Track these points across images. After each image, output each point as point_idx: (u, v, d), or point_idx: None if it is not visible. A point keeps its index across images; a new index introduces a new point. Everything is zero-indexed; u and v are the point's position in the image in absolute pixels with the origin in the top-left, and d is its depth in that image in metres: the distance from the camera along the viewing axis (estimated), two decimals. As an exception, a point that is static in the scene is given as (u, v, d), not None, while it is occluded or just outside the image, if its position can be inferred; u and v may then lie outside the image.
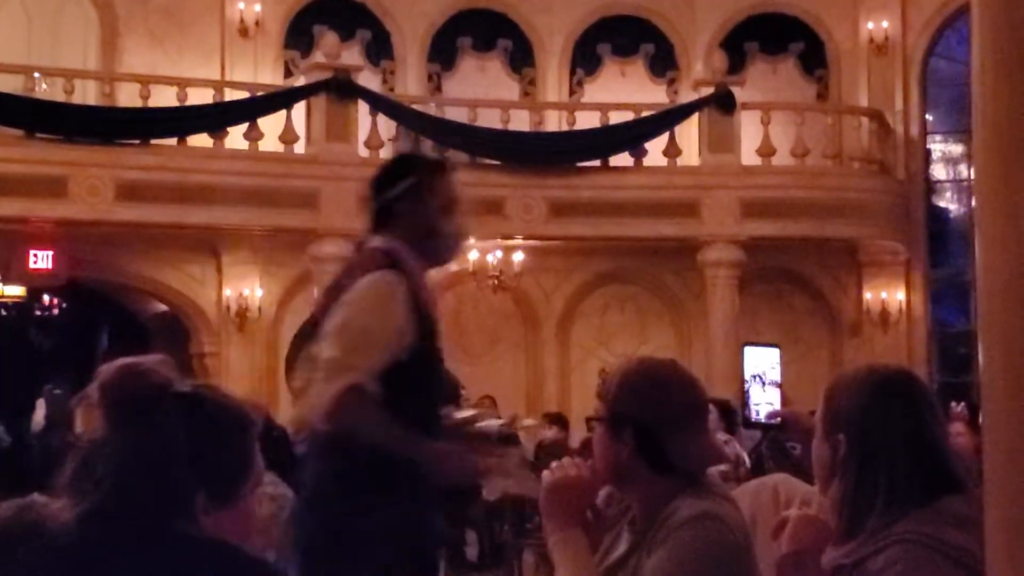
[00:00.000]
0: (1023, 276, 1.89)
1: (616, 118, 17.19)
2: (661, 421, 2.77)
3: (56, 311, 20.28)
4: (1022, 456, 1.86)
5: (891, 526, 2.44)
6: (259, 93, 16.43)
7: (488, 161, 16.70)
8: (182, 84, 15.85)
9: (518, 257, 16.73)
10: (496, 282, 16.70)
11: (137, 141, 15.55)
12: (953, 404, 11.46)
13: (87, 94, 16.00)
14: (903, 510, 2.45)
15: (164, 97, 15.78)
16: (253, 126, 15.87)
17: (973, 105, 2.00)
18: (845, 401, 2.58)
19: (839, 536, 2.50)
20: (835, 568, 2.44)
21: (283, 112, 16.04)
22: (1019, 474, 1.86)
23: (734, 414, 11.19)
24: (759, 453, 9.05)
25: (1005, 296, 1.92)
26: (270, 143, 15.95)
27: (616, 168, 16.94)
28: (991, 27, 1.96)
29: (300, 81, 16.63)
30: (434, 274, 4.16)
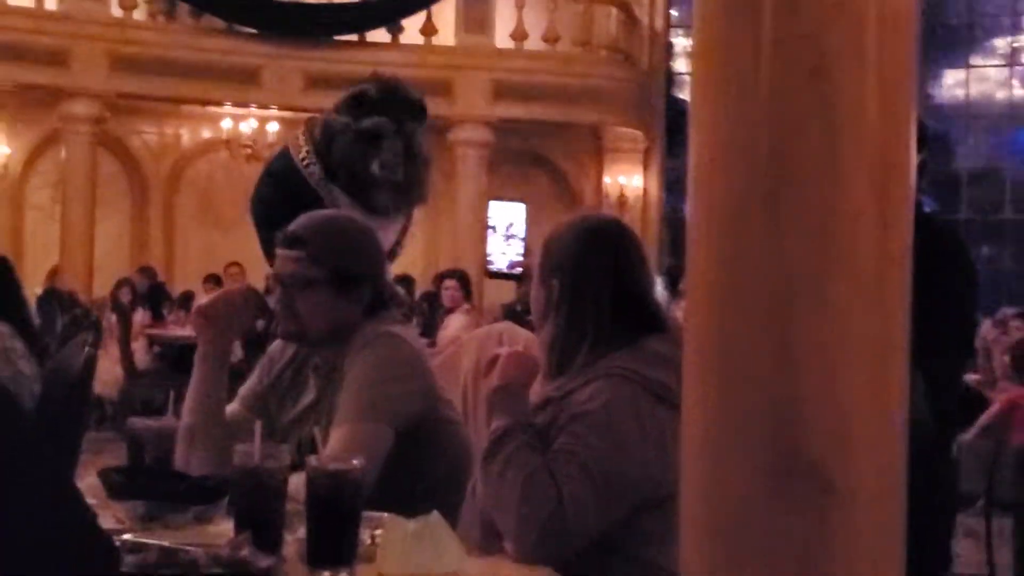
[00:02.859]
0: (725, 152, 2.01)
1: (374, -6, 17.08)
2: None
3: None
4: (716, 303, 2.00)
5: (597, 362, 2.54)
6: (9, -56, 15.75)
7: (244, 30, 16.39)
8: (-71, -69, 15.13)
9: (272, 128, 16.52)
10: (249, 151, 16.48)
11: None
12: (682, 281, 11.90)
13: None
14: (609, 348, 2.56)
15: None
16: (3, -21, 15.26)
17: (694, 2, 2.09)
18: (559, 248, 2.67)
19: (549, 372, 2.61)
20: (545, 400, 2.55)
21: (35, -34, 15.46)
22: (710, 315, 2.01)
23: (470, 283, 11.44)
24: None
25: (710, 169, 2.05)
26: (21, -2, 15.37)
27: (373, 44, 16.80)
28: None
29: (53, -65, 15.99)
30: None
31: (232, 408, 3.13)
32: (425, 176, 4.46)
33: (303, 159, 4.32)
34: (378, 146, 4.27)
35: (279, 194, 4.34)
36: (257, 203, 4.43)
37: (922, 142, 4.09)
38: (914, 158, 2.08)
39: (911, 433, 2.17)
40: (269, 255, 4.43)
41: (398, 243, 4.48)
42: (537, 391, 2.58)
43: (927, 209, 4.02)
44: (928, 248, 3.65)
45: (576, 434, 2.43)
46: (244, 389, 3.18)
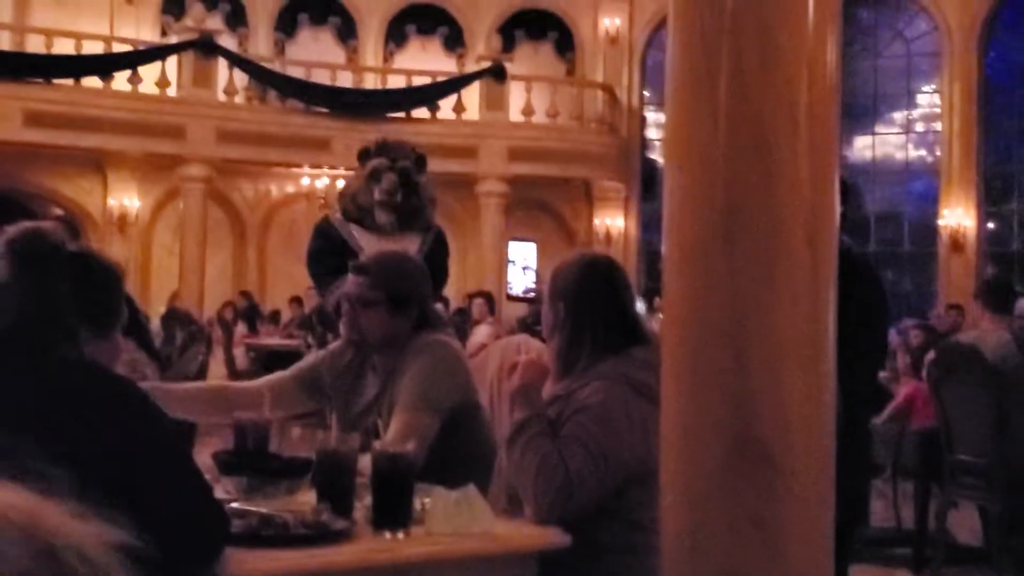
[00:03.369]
0: (691, 204, 2.00)
1: (418, 82, 17.07)
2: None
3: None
4: (685, 320, 1.99)
5: (594, 367, 2.51)
6: (140, 47, 15.82)
7: (319, 109, 16.43)
8: (78, 37, 15.16)
9: (340, 184, 16.52)
10: (323, 202, 16.52)
11: (41, 80, 14.87)
12: (657, 299, 11.84)
13: (1, 41, 15.21)
14: (603, 356, 2.53)
15: (64, 46, 15.07)
16: (135, 73, 15.29)
17: (666, 87, 2.08)
18: (563, 278, 2.63)
19: (557, 376, 2.58)
20: (554, 398, 2.53)
21: (159, 63, 15.50)
22: (681, 329, 1.99)
23: (494, 301, 11.41)
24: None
25: (680, 216, 2.03)
26: (148, 86, 15.39)
27: (417, 119, 16.82)
28: (682, 26, 2.04)
29: (173, 40, 16.05)
30: None
31: (283, 375, 3.08)
32: (427, 206, 4.45)
33: (333, 211, 4.50)
34: (378, 179, 4.33)
35: (318, 242, 4.50)
36: (308, 252, 4.61)
37: (844, 196, 4.06)
38: (837, 208, 2.07)
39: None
40: (317, 287, 4.52)
41: (439, 269, 4.44)
42: (548, 390, 2.56)
43: (846, 245, 3.98)
44: (848, 275, 3.64)
45: (579, 423, 2.40)
46: (301, 364, 3.12)
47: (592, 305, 2.58)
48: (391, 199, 4.32)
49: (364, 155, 4.46)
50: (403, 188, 4.33)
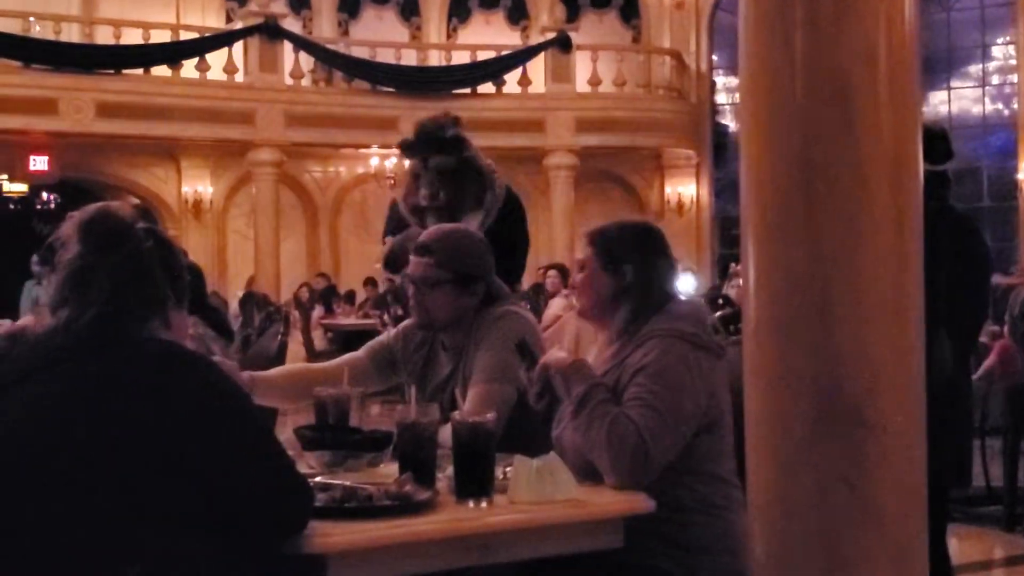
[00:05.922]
0: (771, 158, 1.96)
1: (482, 56, 17.04)
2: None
3: (53, 205, 19.71)
4: (769, 281, 1.95)
5: (639, 329, 2.48)
6: (207, 35, 16.00)
7: (385, 89, 16.48)
8: (146, 27, 15.37)
9: (408, 164, 16.57)
10: (392, 182, 16.57)
11: (111, 71, 15.11)
12: (732, 265, 11.71)
13: (71, 34, 15.47)
14: (646, 317, 2.50)
15: (132, 37, 15.30)
16: (202, 60, 15.46)
17: (739, 44, 2.03)
18: (625, 242, 2.57)
19: (610, 339, 2.56)
20: (606, 370, 2.49)
21: (226, 49, 15.66)
22: (765, 291, 1.95)
23: (568, 273, 11.39)
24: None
25: (759, 171, 2.00)
26: (216, 73, 15.56)
27: (482, 94, 16.80)
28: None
29: (238, 26, 16.19)
30: None
31: (358, 354, 3.07)
32: (477, 180, 4.25)
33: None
34: (418, 181, 4.21)
35: (391, 224, 4.46)
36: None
37: (948, 154, 3.93)
38: (920, 157, 2.01)
39: (938, 377, 2.09)
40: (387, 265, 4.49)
41: (514, 237, 4.35)
42: (597, 352, 2.55)
43: (949, 203, 3.86)
44: (954, 234, 3.56)
45: (640, 384, 2.37)
46: (374, 343, 3.11)
47: (656, 268, 2.55)
48: (434, 202, 4.20)
49: (406, 147, 4.35)
50: (443, 187, 4.18)
